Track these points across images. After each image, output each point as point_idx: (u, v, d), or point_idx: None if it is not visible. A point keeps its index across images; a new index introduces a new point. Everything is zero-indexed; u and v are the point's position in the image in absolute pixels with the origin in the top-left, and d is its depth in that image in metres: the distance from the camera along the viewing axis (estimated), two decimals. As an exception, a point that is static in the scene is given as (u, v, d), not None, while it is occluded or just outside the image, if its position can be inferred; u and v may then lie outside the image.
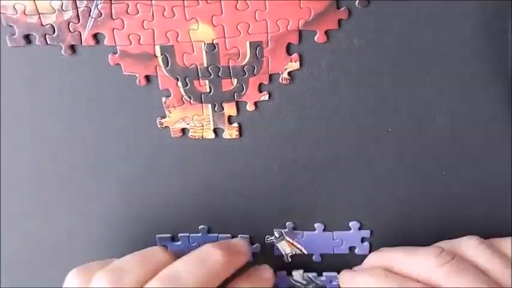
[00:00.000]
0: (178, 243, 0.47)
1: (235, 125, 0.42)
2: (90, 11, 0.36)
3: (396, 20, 0.38)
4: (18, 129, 0.42)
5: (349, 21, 0.37)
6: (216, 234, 0.47)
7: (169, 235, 0.47)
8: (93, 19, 0.37)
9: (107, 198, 0.45)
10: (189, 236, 0.47)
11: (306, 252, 0.48)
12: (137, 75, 0.39)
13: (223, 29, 0.37)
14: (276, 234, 0.47)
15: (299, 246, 0.48)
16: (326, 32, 0.38)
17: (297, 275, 0.49)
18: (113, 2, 0.36)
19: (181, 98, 0.40)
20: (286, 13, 0.37)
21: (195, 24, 0.37)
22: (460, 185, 0.45)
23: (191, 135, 0.42)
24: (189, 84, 0.40)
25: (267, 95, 0.41)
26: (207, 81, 0.40)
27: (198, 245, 0.46)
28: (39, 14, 0.36)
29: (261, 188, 0.45)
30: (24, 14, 0.36)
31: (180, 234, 0.47)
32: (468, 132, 0.42)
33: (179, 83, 0.40)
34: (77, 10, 0.36)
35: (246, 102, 0.41)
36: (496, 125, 0.42)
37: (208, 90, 0.40)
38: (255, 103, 0.41)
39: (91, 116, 0.41)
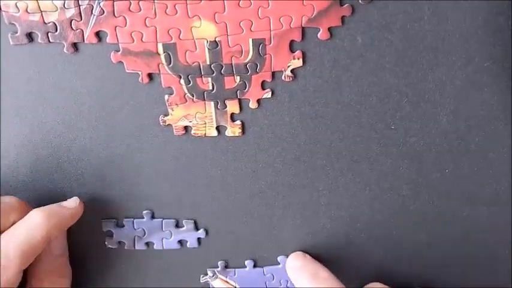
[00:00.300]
0: (122, 228, 0.46)
1: (238, 122, 0.42)
2: (92, 9, 0.36)
3: (399, 17, 0.37)
4: (21, 127, 0.42)
5: (353, 18, 0.37)
6: (160, 219, 0.46)
7: (113, 220, 0.46)
8: (95, 17, 0.37)
9: (110, 195, 0.45)
10: (133, 221, 0.46)
11: None
12: (140, 73, 0.39)
13: (226, 27, 0.37)
14: (210, 273, 0.48)
15: (232, 283, 0.49)
16: (329, 29, 0.38)
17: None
18: (115, -1, 0.36)
19: (184, 96, 0.40)
20: (289, 10, 0.37)
21: (198, 21, 0.37)
22: (463, 183, 0.45)
23: (194, 133, 0.42)
24: (191, 82, 0.40)
25: (270, 93, 0.40)
26: (209, 79, 0.40)
27: (142, 230, 0.46)
28: (41, 12, 0.36)
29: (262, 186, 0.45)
30: (27, 12, 0.36)
31: (124, 220, 0.46)
32: (471, 129, 0.42)
33: (182, 81, 0.40)
34: (79, 8, 0.36)
35: (249, 100, 0.41)
36: (499, 122, 0.42)
37: (211, 87, 0.40)
38: (258, 101, 0.41)
39: (93, 114, 0.41)
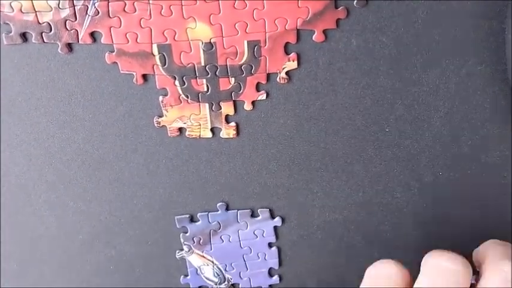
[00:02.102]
0: (199, 223, 0.47)
1: (233, 124, 0.42)
2: (87, 9, 0.36)
3: (394, 20, 0.38)
4: (14, 127, 0.42)
5: (347, 21, 0.37)
6: (235, 210, 0.46)
7: (187, 215, 0.46)
8: (90, 17, 0.37)
9: (104, 197, 0.45)
10: (208, 215, 0.46)
11: (218, 263, 0.48)
12: (134, 74, 0.39)
13: (221, 28, 0.37)
14: (186, 248, 0.48)
15: (209, 257, 0.48)
16: (324, 32, 0.38)
17: (208, 270, 0.49)
18: (110, 0, 0.36)
19: (179, 97, 0.40)
20: (284, 12, 0.37)
21: (193, 23, 0.37)
22: (457, 185, 0.45)
23: (188, 135, 0.42)
24: (186, 83, 0.40)
25: (265, 95, 0.41)
26: (204, 80, 0.40)
27: (217, 224, 0.46)
28: (35, 12, 0.36)
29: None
30: (21, 11, 0.36)
31: (199, 214, 0.46)
32: (465, 132, 0.42)
33: (176, 82, 0.40)
34: (74, 8, 0.36)
35: (244, 102, 0.41)
36: (493, 124, 0.42)
37: (205, 89, 0.40)
38: (253, 102, 0.41)
39: (87, 115, 0.41)
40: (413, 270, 0.50)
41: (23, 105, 0.41)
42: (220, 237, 0.47)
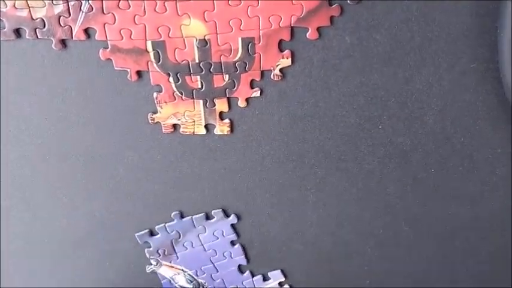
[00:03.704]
0: (158, 236, 0.47)
1: (227, 121, 0.42)
2: (81, 5, 0.36)
3: (387, 18, 0.38)
4: (8, 123, 0.42)
5: (341, 19, 0.38)
6: (189, 217, 0.46)
7: (147, 230, 0.47)
8: (84, 13, 0.36)
9: (99, 193, 0.45)
10: (165, 226, 0.46)
11: (188, 270, 0.49)
12: (128, 70, 0.39)
13: (215, 25, 0.37)
14: (154, 262, 0.48)
15: (178, 266, 0.49)
16: (318, 29, 0.38)
17: (181, 278, 0.50)
18: (104, -4, 0.36)
19: (173, 94, 0.40)
20: (278, 9, 0.37)
21: (187, 19, 0.37)
22: (449, 181, 0.45)
23: (182, 131, 0.42)
24: (180, 80, 0.40)
25: (259, 91, 0.41)
26: (198, 77, 0.40)
27: (177, 233, 0.46)
28: (29, 7, 0.36)
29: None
30: (14, 7, 0.36)
31: (156, 227, 0.47)
32: (458, 129, 0.43)
33: (171, 79, 0.40)
34: (68, 4, 0.36)
35: (238, 99, 0.41)
36: (485, 122, 0.42)
37: (199, 86, 0.40)
38: (247, 99, 0.41)
39: (81, 111, 0.41)
40: (406, 267, 0.51)
41: (17, 101, 0.41)
42: (183, 245, 0.47)
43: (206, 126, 0.42)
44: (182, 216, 0.46)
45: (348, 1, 0.37)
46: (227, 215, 0.46)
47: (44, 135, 0.42)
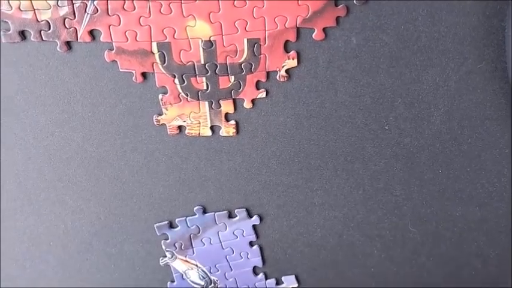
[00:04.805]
0: (178, 228, 0.47)
1: (232, 122, 0.42)
2: (86, 7, 0.36)
3: (394, 18, 0.38)
4: (13, 126, 0.42)
5: (347, 19, 0.37)
6: (212, 213, 0.46)
7: (166, 222, 0.46)
8: (89, 15, 0.36)
9: (103, 195, 0.45)
10: (186, 220, 0.46)
11: (202, 266, 0.48)
12: (133, 72, 0.39)
13: (221, 26, 0.37)
14: (169, 255, 0.48)
15: (193, 261, 0.48)
16: (324, 30, 0.38)
17: (193, 274, 0.49)
18: (109, -2, 0.36)
19: (178, 95, 0.40)
20: (284, 10, 0.37)
21: (192, 21, 0.37)
22: (456, 182, 0.45)
23: (188, 133, 0.42)
24: (186, 82, 0.39)
25: (265, 93, 0.40)
26: (204, 79, 0.40)
27: (197, 227, 0.46)
28: (34, 9, 0.36)
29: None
30: (19, 9, 0.36)
31: (177, 220, 0.46)
32: (464, 130, 0.42)
33: (176, 80, 0.39)
34: (73, 6, 0.36)
35: (243, 100, 0.41)
36: (492, 122, 0.42)
37: (205, 87, 0.40)
38: (252, 100, 0.41)
39: (87, 113, 0.41)
40: (413, 268, 0.51)
41: (22, 104, 0.40)
42: (201, 241, 0.47)
43: (212, 128, 0.42)
44: (205, 212, 0.46)
45: (354, 1, 0.37)
46: (250, 216, 0.46)
47: (49, 137, 0.42)
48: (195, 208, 0.46)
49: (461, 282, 0.51)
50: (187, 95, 0.40)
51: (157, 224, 0.46)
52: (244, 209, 0.46)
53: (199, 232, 0.47)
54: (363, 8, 0.37)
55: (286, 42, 0.38)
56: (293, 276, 0.50)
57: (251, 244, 0.48)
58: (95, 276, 0.50)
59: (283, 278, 0.50)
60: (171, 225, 0.47)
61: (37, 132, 0.42)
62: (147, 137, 0.42)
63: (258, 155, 0.43)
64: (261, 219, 0.47)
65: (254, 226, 0.47)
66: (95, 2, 0.36)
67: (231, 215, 0.46)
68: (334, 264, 0.50)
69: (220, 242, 0.47)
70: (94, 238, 0.48)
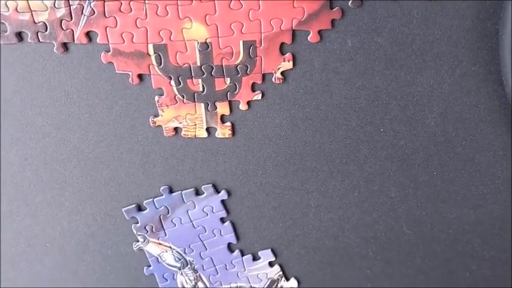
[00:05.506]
0: (146, 211, 0.46)
1: (228, 124, 0.42)
2: (82, 9, 0.36)
3: (389, 21, 0.38)
4: (10, 127, 0.42)
5: (343, 22, 0.38)
6: (179, 192, 0.46)
7: (134, 205, 0.46)
8: (86, 17, 0.37)
9: (99, 197, 0.45)
10: (153, 201, 0.46)
11: (176, 248, 0.48)
12: (130, 73, 0.39)
13: (217, 28, 0.37)
14: (141, 239, 0.47)
15: (166, 244, 0.48)
16: (319, 32, 0.38)
17: (168, 256, 0.48)
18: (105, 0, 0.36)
19: (174, 97, 0.40)
20: (279, 13, 0.37)
21: (189, 23, 0.37)
22: (451, 184, 0.45)
23: (184, 134, 0.42)
24: (182, 83, 0.40)
25: (260, 95, 0.41)
26: (200, 80, 0.40)
27: (165, 208, 0.46)
28: (31, 11, 0.36)
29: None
30: (16, 11, 0.36)
31: (144, 202, 0.46)
32: (459, 132, 0.43)
33: (172, 82, 0.40)
34: (70, 8, 0.36)
35: (239, 102, 0.41)
36: (487, 125, 0.42)
37: (201, 89, 0.40)
38: (248, 102, 0.41)
39: (83, 114, 0.41)
40: (408, 270, 0.51)
41: (19, 105, 0.41)
42: (172, 221, 0.46)
43: (207, 130, 0.42)
44: (171, 191, 0.45)
45: (349, 4, 0.37)
46: (217, 191, 0.46)
47: (46, 138, 0.42)
48: (161, 188, 0.45)
49: (456, 284, 0.51)
50: (183, 97, 0.40)
51: (125, 208, 0.46)
52: (211, 185, 0.45)
53: (168, 213, 0.46)
54: (358, 11, 0.37)
55: (282, 44, 0.38)
56: (269, 250, 0.49)
57: (222, 220, 0.47)
58: (92, 277, 0.50)
59: (259, 253, 0.50)
60: (140, 208, 0.46)
61: (33, 134, 0.42)
62: (143, 139, 0.42)
63: (254, 156, 0.44)
64: (228, 194, 0.46)
65: (223, 202, 0.46)
66: (92, 4, 0.36)
67: (198, 193, 0.46)
68: (330, 265, 0.50)
69: (191, 221, 0.46)
70: (90, 239, 0.48)
